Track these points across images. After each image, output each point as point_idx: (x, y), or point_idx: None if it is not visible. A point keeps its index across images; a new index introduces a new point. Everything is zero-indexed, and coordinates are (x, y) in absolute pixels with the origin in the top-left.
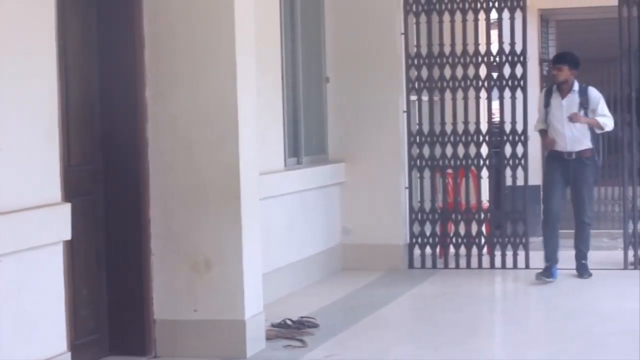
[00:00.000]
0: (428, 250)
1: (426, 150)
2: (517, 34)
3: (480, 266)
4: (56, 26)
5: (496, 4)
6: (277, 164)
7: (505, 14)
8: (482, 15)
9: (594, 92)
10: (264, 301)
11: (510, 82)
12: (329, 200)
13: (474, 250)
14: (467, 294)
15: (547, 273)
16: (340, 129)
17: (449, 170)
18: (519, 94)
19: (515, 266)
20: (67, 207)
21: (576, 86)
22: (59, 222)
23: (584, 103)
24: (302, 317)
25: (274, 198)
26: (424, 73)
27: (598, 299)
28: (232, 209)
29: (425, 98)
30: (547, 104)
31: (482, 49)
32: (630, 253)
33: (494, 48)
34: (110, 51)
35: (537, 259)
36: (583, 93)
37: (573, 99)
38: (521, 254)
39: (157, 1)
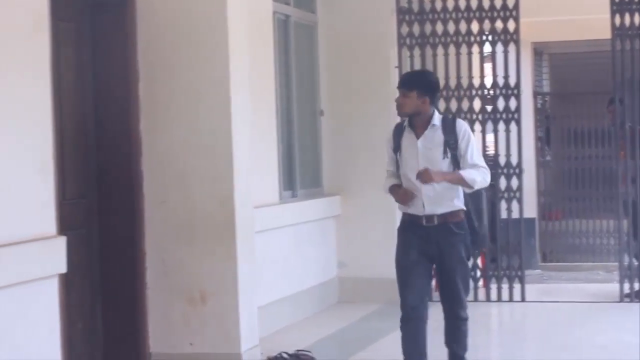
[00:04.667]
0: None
1: None
2: (511, 67)
3: (475, 299)
4: (50, 60)
5: (490, 38)
6: (272, 197)
7: (499, 48)
8: (475, 49)
9: (462, 127)
10: (259, 334)
11: (504, 115)
12: (324, 233)
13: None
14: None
15: None
16: (335, 162)
17: None
18: (513, 126)
19: (511, 299)
20: (63, 241)
21: (437, 119)
22: (54, 256)
23: (451, 143)
24: (298, 351)
25: (269, 231)
26: None
27: (595, 332)
28: (227, 242)
29: None
30: (396, 147)
31: (476, 82)
32: (626, 286)
33: (488, 81)
34: (104, 85)
35: (533, 291)
36: (449, 128)
37: (433, 137)
38: (517, 286)
39: (150, 35)
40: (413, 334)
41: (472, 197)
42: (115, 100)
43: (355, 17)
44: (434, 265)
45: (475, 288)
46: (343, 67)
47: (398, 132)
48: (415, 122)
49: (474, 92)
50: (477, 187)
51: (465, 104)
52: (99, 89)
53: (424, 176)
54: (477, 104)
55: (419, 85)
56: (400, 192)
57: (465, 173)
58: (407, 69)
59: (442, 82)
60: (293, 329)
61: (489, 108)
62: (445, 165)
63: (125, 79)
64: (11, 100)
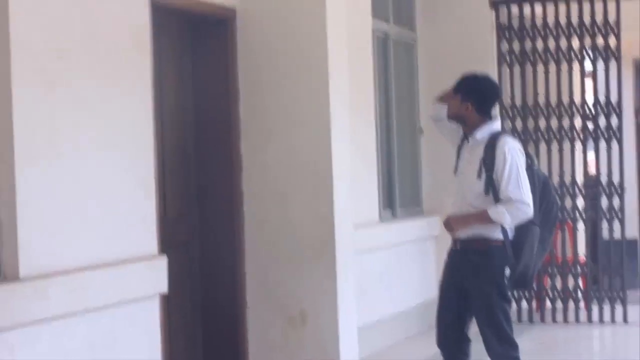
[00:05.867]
0: (524, 304)
1: None
2: (612, 84)
3: (577, 320)
4: (152, 78)
5: (590, 54)
6: (371, 216)
7: (600, 64)
8: (576, 65)
9: (502, 148)
10: (359, 355)
11: (605, 133)
12: (423, 252)
13: (571, 304)
14: (565, 348)
15: None
16: (434, 181)
17: None
18: (614, 145)
19: (613, 320)
20: (164, 260)
21: (481, 132)
22: (156, 275)
23: (487, 163)
24: None
25: (368, 250)
26: (519, 124)
27: None
28: (327, 261)
29: None
30: (458, 153)
31: (577, 99)
32: None
33: (589, 98)
34: (205, 103)
35: (635, 313)
36: (489, 146)
37: (473, 152)
38: (619, 308)
39: (250, 53)
40: (449, 357)
41: (517, 229)
42: (216, 119)
43: (454, 34)
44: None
45: (577, 309)
46: (442, 85)
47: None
48: (465, 130)
49: (574, 109)
50: (506, 224)
51: (566, 122)
52: (200, 106)
53: (446, 226)
54: (577, 121)
55: (463, 88)
56: (444, 219)
57: (493, 212)
58: (506, 86)
59: (542, 99)
60: (393, 350)
61: (590, 126)
62: (478, 187)
63: (226, 97)
64: (114, 118)
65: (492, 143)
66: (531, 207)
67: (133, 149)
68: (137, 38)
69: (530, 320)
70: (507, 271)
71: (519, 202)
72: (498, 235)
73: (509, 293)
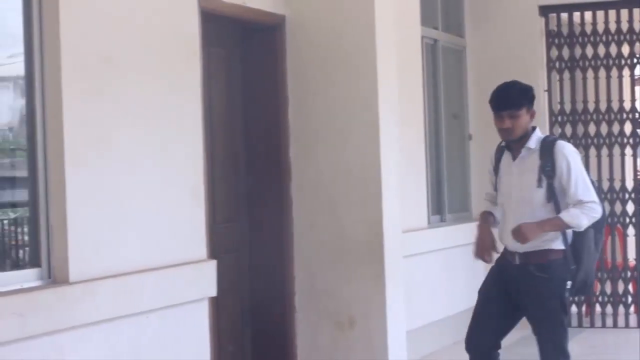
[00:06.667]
0: (574, 308)
1: None
2: None
3: (627, 325)
4: (202, 85)
5: None
6: (420, 221)
7: None
8: (626, 72)
9: (561, 151)
10: (408, 359)
11: None
12: (472, 258)
13: (621, 308)
14: (615, 353)
15: None
16: (483, 187)
17: None
18: None
19: None
20: (213, 264)
21: (534, 140)
22: (205, 279)
23: (547, 169)
24: None
25: (417, 255)
26: (568, 130)
27: None
28: (376, 266)
29: None
30: (496, 167)
31: (627, 105)
32: None
33: (639, 104)
34: (255, 109)
35: None
36: (546, 152)
37: (527, 161)
38: None
39: (299, 60)
40: None
41: (574, 235)
42: (265, 125)
43: (503, 41)
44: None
45: (627, 314)
46: (491, 91)
47: (499, 151)
48: (513, 144)
49: (624, 115)
50: (581, 228)
51: (615, 128)
52: (249, 113)
53: (518, 236)
54: (627, 127)
55: (526, 98)
56: (479, 237)
57: (567, 216)
58: (556, 92)
59: (592, 106)
60: (441, 354)
61: None
62: (540, 196)
63: (275, 104)
64: (163, 124)
65: (547, 149)
66: (601, 206)
67: (182, 155)
68: (186, 45)
69: (580, 324)
70: (569, 283)
71: (591, 202)
72: (559, 245)
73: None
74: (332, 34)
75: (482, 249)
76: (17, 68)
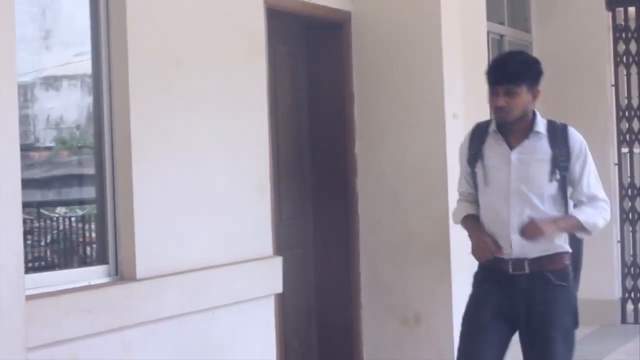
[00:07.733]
0: (629, 305)
1: (639, 203)
2: None
3: None
4: (268, 81)
5: None
6: None
7: None
8: None
9: (578, 140)
10: None
11: None
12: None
13: None
14: None
15: None
16: None
17: None
18: None
19: None
20: (279, 261)
21: (541, 124)
22: (271, 275)
23: (561, 160)
24: None
25: None
26: (635, 125)
27: None
28: (441, 262)
29: (637, 150)
30: (474, 157)
31: None
32: None
33: None
34: (320, 105)
35: None
36: (559, 139)
37: (535, 150)
38: None
39: (365, 56)
40: None
41: (569, 236)
42: (331, 121)
43: (569, 35)
44: (518, 331)
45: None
46: (558, 86)
47: (478, 136)
48: (510, 127)
49: None
50: (596, 230)
51: None
52: (314, 109)
53: (531, 231)
54: None
55: (528, 74)
56: (479, 239)
57: (583, 215)
58: (623, 87)
59: None
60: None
61: None
62: (551, 190)
63: (341, 101)
64: (229, 121)
65: (559, 136)
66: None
67: (248, 151)
68: (252, 42)
69: (636, 321)
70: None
71: (604, 201)
72: (568, 247)
73: None
74: (397, 31)
75: (486, 249)
76: (85, 66)
